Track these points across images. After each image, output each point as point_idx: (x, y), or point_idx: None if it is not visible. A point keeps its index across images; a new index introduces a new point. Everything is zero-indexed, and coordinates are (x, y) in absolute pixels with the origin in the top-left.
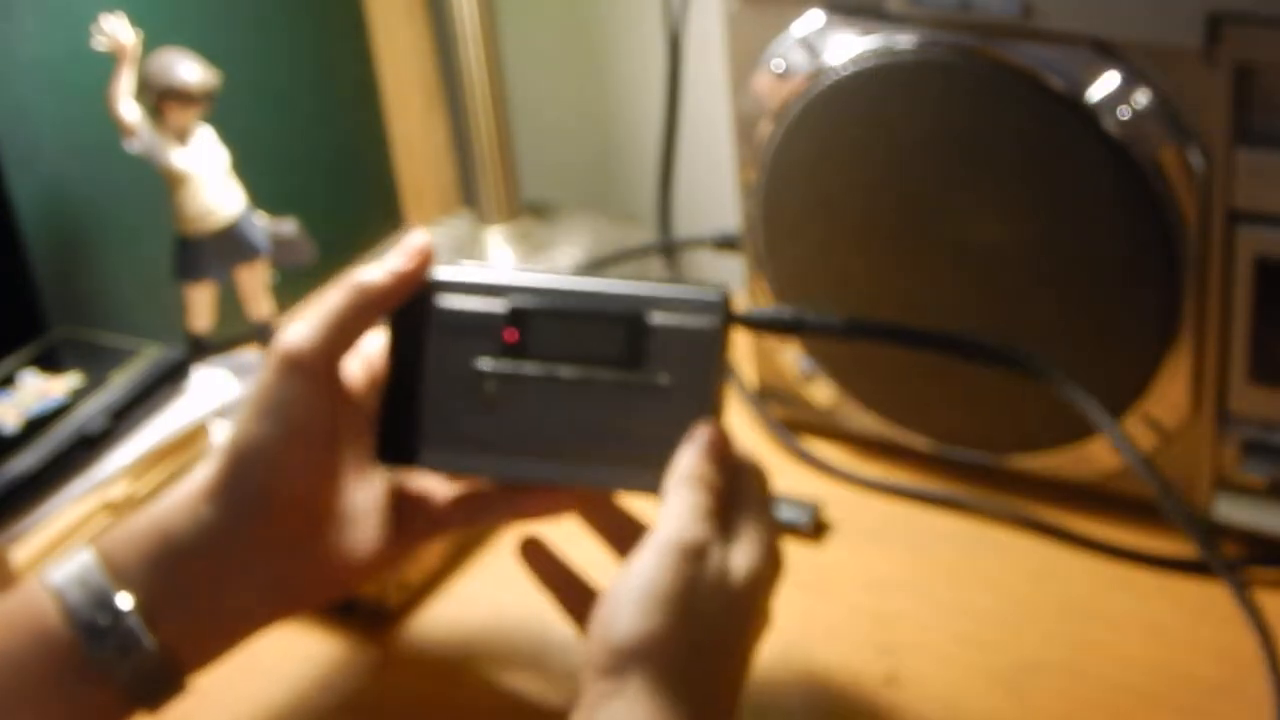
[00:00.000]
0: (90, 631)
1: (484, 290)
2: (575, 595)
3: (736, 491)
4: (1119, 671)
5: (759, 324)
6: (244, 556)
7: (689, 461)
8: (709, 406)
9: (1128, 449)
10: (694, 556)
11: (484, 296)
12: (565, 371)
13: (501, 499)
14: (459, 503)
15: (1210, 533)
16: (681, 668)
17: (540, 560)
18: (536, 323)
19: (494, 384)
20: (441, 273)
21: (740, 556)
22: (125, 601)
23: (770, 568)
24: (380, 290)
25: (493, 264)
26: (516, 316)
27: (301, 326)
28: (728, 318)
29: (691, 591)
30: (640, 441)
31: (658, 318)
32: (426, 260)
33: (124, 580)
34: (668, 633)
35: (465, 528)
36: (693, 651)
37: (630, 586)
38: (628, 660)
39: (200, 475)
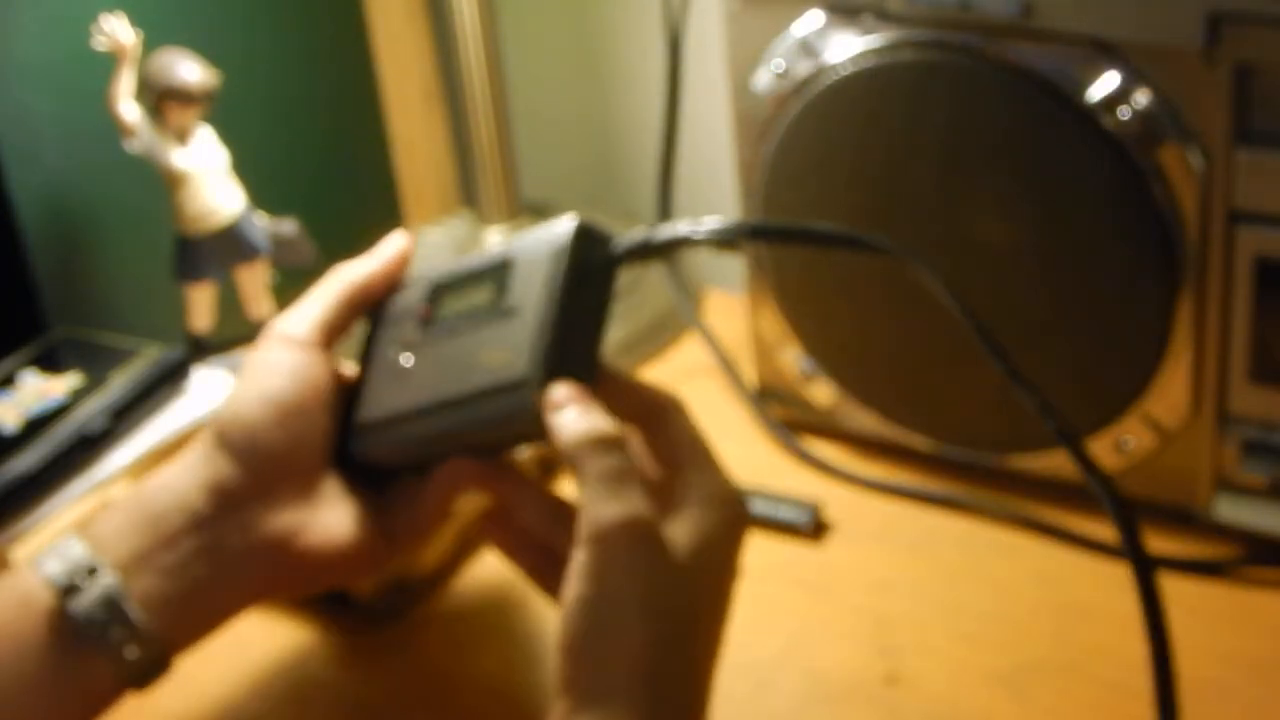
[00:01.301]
0: (78, 612)
1: (416, 283)
2: (546, 566)
3: (662, 436)
4: (1119, 672)
5: (632, 254)
6: (228, 529)
7: (568, 424)
8: (545, 321)
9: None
10: (631, 541)
11: (414, 288)
12: (454, 325)
13: (440, 475)
14: (418, 484)
15: (1120, 502)
16: (653, 670)
17: (503, 534)
18: (441, 292)
19: (409, 358)
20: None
21: (685, 523)
22: (113, 582)
23: (724, 522)
24: (363, 280)
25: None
26: (429, 295)
27: (294, 315)
28: (581, 239)
29: (644, 586)
30: (491, 370)
31: (522, 254)
32: (406, 257)
33: (111, 561)
34: (633, 638)
35: (436, 510)
36: (662, 647)
37: (579, 595)
38: (597, 673)
39: (184, 453)
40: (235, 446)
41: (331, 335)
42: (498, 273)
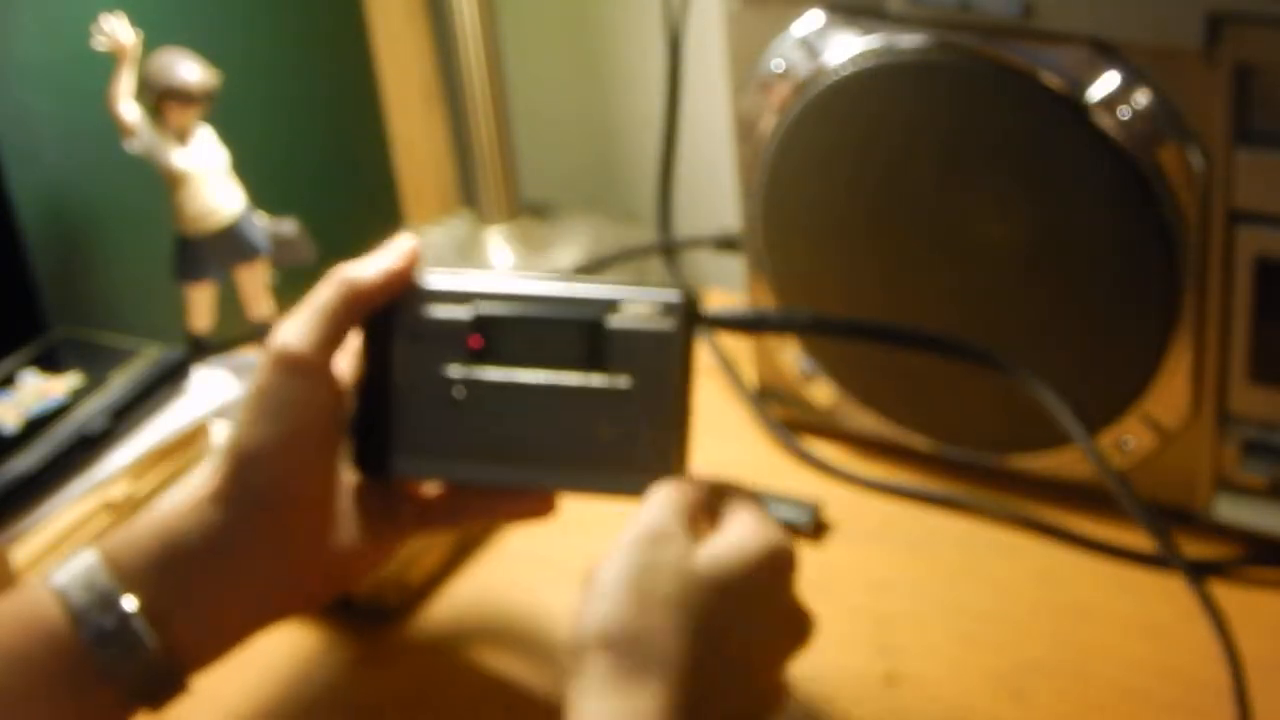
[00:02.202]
0: (95, 633)
1: (450, 298)
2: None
3: (723, 499)
4: (1119, 672)
5: (722, 323)
6: (248, 557)
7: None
8: (672, 410)
9: (1091, 450)
10: (653, 542)
11: (450, 304)
12: (529, 376)
13: (479, 501)
14: (441, 501)
15: (1164, 524)
16: (629, 648)
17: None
18: (500, 329)
19: (462, 390)
20: (414, 281)
21: (713, 546)
22: (130, 603)
23: (766, 554)
24: (370, 286)
25: (463, 270)
26: (481, 324)
27: (295, 325)
28: (689, 319)
29: (645, 572)
30: (604, 445)
31: (617, 321)
32: (414, 261)
33: (128, 582)
34: (617, 612)
35: (448, 526)
36: (645, 631)
37: (591, 580)
38: (584, 645)
39: (204, 479)
40: (261, 494)
41: (334, 348)
42: (582, 331)
